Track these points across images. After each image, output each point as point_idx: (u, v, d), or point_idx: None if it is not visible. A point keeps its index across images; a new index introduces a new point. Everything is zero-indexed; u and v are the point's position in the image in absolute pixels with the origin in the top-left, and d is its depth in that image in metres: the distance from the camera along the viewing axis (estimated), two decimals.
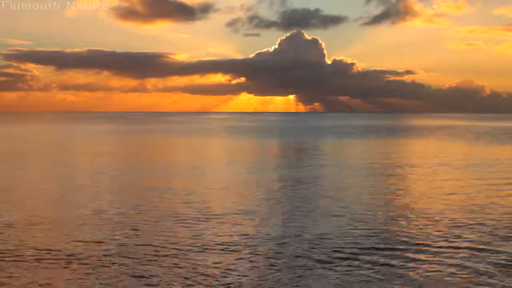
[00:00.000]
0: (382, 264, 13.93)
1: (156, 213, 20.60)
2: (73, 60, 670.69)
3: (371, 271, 13.39)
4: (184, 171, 35.94)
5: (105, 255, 14.60)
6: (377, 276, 12.97)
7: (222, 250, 15.30)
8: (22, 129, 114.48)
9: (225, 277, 12.91)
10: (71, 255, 14.66)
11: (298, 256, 14.66)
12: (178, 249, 15.29)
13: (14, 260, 14.11)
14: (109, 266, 13.62)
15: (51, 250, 15.08)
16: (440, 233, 17.34)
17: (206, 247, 15.57)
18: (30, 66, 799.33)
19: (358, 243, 16.04)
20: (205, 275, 13.02)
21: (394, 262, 14.15)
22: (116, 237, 16.63)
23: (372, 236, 16.87)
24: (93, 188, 26.93)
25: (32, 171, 35.41)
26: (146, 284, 12.39)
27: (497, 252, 15.11)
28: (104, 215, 20.08)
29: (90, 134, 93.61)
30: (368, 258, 14.48)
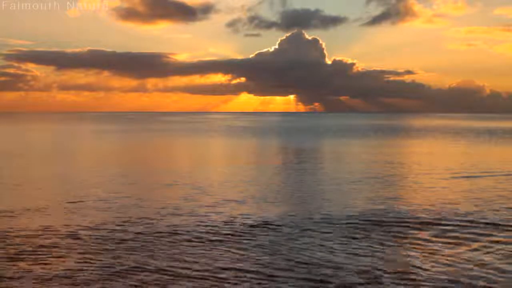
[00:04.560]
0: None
1: (166, 204, 20.94)
2: (73, 60, 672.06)
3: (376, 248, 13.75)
4: (186, 168, 36.26)
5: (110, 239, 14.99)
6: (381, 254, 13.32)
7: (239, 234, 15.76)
8: (26, 129, 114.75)
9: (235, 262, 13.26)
10: (96, 237, 15.08)
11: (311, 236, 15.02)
12: (199, 236, 15.64)
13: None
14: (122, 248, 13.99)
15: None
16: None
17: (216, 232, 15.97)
18: (31, 66, 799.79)
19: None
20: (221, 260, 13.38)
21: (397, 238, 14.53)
22: (128, 223, 16.98)
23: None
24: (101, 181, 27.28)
25: (42, 168, 35.71)
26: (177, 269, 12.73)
27: None
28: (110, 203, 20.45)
29: (93, 134, 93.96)
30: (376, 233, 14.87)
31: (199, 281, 12.66)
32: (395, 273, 13.23)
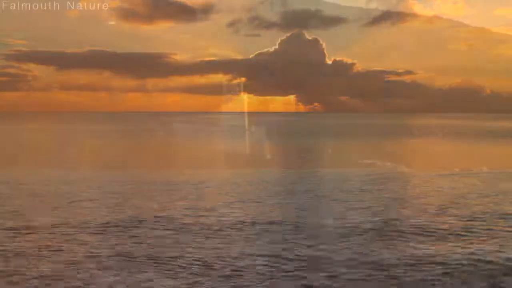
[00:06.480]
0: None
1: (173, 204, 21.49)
2: (74, 60, 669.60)
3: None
4: (190, 169, 36.76)
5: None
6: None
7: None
8: (27, 129, 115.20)
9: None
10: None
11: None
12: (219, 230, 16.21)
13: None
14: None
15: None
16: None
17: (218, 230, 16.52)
18: (31, 66, 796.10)
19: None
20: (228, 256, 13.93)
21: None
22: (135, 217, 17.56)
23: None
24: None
25: (45, 168, 36.18)
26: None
27: None
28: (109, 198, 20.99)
29: (94, 134, 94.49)
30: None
31: (212, 265, 13.24)
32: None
